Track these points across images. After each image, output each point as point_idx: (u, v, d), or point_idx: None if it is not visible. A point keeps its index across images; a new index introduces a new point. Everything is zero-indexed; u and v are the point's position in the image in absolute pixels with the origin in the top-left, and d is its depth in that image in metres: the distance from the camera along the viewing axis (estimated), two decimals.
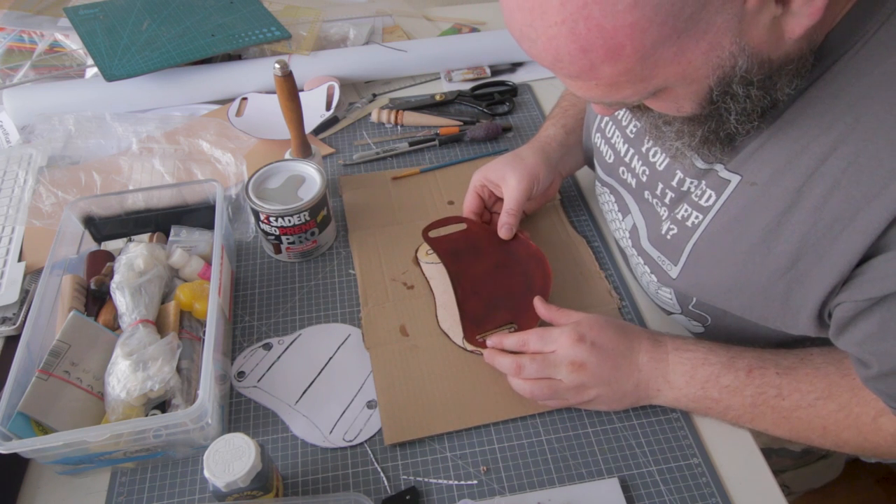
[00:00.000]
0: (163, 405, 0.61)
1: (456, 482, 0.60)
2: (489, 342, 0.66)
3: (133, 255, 0.67)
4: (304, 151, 0.83)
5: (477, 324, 0.70)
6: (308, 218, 0.74)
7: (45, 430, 0.57)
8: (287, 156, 0.83)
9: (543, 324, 0.68)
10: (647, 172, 0.64)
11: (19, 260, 0.77)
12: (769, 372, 0.58)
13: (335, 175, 0.91)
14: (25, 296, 0.73)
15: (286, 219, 0.73)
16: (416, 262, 0.78)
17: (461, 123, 0.98)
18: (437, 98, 1.02)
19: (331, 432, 0.63)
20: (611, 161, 0.70)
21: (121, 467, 0.61)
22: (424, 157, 0.94)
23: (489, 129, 0.95)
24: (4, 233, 0.81)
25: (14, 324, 0.71)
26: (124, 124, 0.96)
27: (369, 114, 1.00)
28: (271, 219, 0.73)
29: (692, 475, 0.60)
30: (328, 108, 0.98)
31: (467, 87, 1.05)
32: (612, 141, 0.70)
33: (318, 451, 0.62)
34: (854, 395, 0.55)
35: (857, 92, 0.46)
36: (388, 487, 0.59)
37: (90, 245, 0.75)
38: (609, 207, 0.74)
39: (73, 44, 1.10)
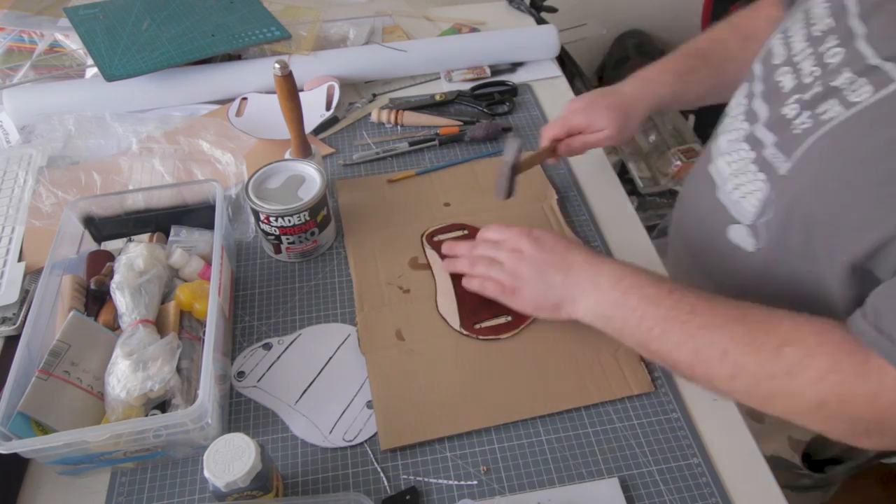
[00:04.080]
0: (163, 405, 0.61)
1: (456, 482, 0.60)
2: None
3: (133, 255, 0.67)
4: (304, 151, 0.83)
5: (474, 314, 0.71)
6: (308, 218, 0.74)
7: (45, 430, 0.57)
8: (287, 156, 0.83)
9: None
10: (817, 74, 0.61)
11: (19, 260, 0.77)
12: (690, 294, 0.59)
13: (335, 175, 0.91)
14: (25, 296, 0.73)
15: (286, 219, 0.73)
16: (425, 243, 0.80)
17: (461, 123, 0.98)
18: (437, 98, 1.02)
19: (331, 432, 0.63)
20: (777, 62, 0.67)
21: (121, 467, 0.61)
22: (424, 157, 0.94)
23: (489, 129, 0.95)
24: (4, 233, 0.81)
25: (14, 324, 0.71)
26: (124, 124, 0.96)
27: (369, 114, 1.00)
28: (271, 219, 0.73)
29: (692, 475, 0.60)
30: (328, 108, 0.98)
31: (467, 87, 1.05)
32: (791, 40, 0.67)
33: (318, 451, 0.62)
34: (764, 324, 0.55)
35: None
36: (388, 487, 0.59)
37: (90, 245, 0.75)
38: (739, 111, 0.72)
39: (73, 44, 1.10)
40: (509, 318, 0.70)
